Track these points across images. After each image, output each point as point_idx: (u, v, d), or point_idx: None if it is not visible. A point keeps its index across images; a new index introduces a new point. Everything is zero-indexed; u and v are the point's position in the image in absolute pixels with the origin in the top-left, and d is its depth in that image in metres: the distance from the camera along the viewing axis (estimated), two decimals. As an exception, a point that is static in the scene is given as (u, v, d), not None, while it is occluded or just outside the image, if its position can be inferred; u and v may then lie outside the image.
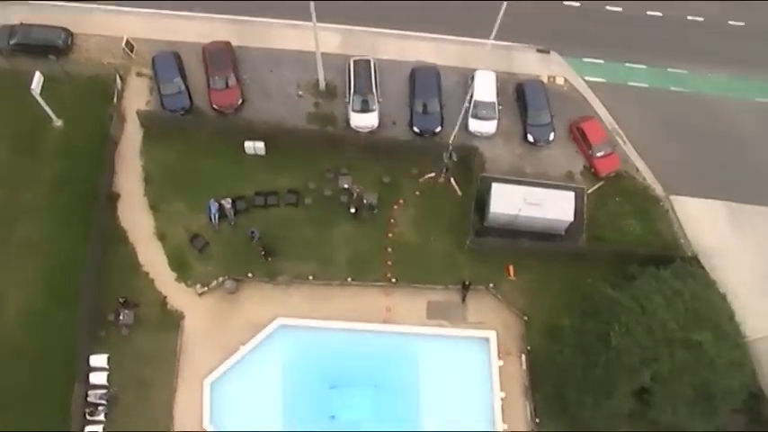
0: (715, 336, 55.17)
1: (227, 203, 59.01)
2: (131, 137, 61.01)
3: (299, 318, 57.79)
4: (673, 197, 63.70)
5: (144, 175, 60.11)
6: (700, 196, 63.53)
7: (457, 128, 58.99)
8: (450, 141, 58.87)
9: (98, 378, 55.87)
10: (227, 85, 61.87)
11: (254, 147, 60.24)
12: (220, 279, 58.32)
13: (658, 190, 63.82)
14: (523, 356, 59.63)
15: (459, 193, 60.67)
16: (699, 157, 64.23)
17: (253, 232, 58.13)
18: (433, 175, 62.01)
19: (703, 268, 60.67)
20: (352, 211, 59.59)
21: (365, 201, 60.04)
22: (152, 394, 55.87)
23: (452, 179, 60.98)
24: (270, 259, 58.37)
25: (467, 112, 62.46)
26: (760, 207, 63.10)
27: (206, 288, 58.32)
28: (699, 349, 54.38)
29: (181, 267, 58.77)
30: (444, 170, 60.51)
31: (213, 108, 61.81)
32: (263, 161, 60.83)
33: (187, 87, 61.75)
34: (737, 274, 61.01)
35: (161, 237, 59.09)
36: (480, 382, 58.55)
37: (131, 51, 62.80)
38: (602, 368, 54.61)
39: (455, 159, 59.67)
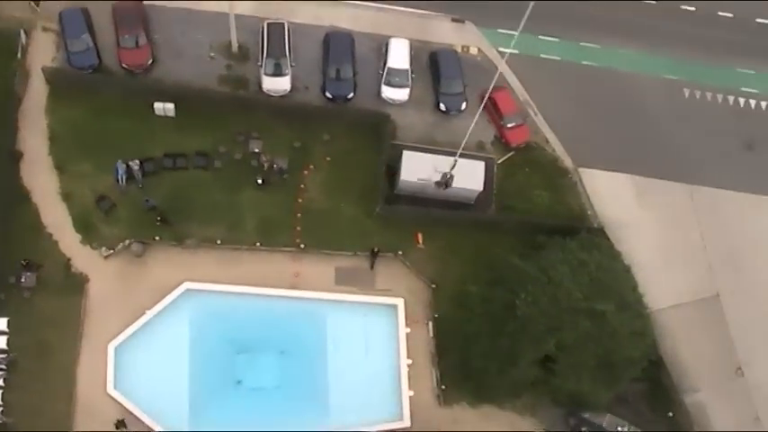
0: (618, 306, 56.15)
1: (134, 165, 57.77)
2: (36, 94, 59.18)
3: (206, 282, 57.04)
4: (581, 169, 64.40)
5: (49, 133, 58.42)
6: (607, 169, 64.45)
7: None
8: None
9: (-3, 342, 54.20)
10: (137, 45, 60.26)
11: (164, 108, 59.05)
12: (127, 242, 57.30)
13: (567, 162, 64.44)
14: (430, 324, 59.85)
15: None
16: (608, 131, 65.06)
17: (147, 200, 57.35)
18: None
19: (609, 240, 61.56)
20: (260, 182, 59.24)
21: (275, 166, 59.63)
22: (54, 358, 54.81)
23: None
24: (164, 225, 57.78)
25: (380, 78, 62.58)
26: (665, 182, 64.35)
27: (112, 251, 57.20)
28: (602, 319, 55.24)
29: (86, 229, 57.51)
30: None
31: (122, 67, 60.27)
32: (172, 123, 59.69)
33: (96, 45, 59.88)
34: (642, 246, 62.42)
35: (66, 197, 57.63)
36: (388, 349, 58.82)
37: (37, 5, 60.93)
38: (508, 336, 55.23)
39: None
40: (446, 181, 58.24)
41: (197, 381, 55.95)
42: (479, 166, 60.40)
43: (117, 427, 54.21)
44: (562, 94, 65.38)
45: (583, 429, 59.68)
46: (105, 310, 56.22)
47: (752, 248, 64.55)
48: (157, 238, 57.67)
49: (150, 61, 60.58)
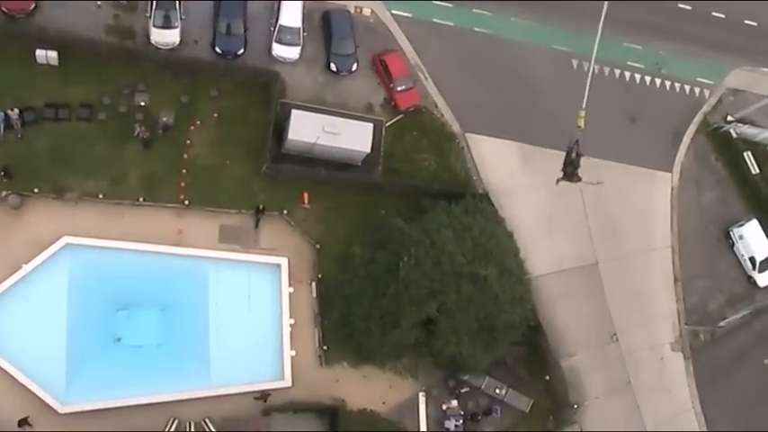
0: (500, 271, 57.20)
1: (13, 114, 56.11)
2: None
3: (86, 237, 55.94)
4: (468, 135, 64.95)
5: None
6: (494, 136, 65.30)
7: None
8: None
9: None
10: (19, -12, 58.00)
11: (47, 56, 57.20)
12: (3, 193, 55.64)
13: (455, 127, 64.86)
14: (314, 284, 60.22)
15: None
16: (496, 98, 65.68)
17: None
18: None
19: (493, 206, 62.74)
20: (144, 137, 58.50)
21: (160, 121, 58.66)
22: None
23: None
24: (6, 181, 55.85)
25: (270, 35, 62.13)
26: (549, 150, 64.66)
27: None
28: (484, 283, 56.29)
29: (-42, 180, 55.29)
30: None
31: (2, 11, 57.83)
32: (55, 72, 57.90)
33: (-26, -13, 57.43)
34: (525, 213, 64.03)
35: None
36: (270, 308, 58.89)
37: None
38: (390, 298, 55.75)
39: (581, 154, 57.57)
40: None
41: (75, 338, 54.84)
42: (368, 128, 60.47)
43: (20, 426, 52.93)
44: (453, 59, 65.61)
45: (462, 391, 61.15)
46: None
47: (630, 219, 66.77)
48: (36, 190, 56.11)
49: (33, 6, 58.18)
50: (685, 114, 70.88)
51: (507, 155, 65.14)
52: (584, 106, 55.39)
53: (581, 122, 55.28)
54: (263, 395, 56.72)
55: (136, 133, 58.06)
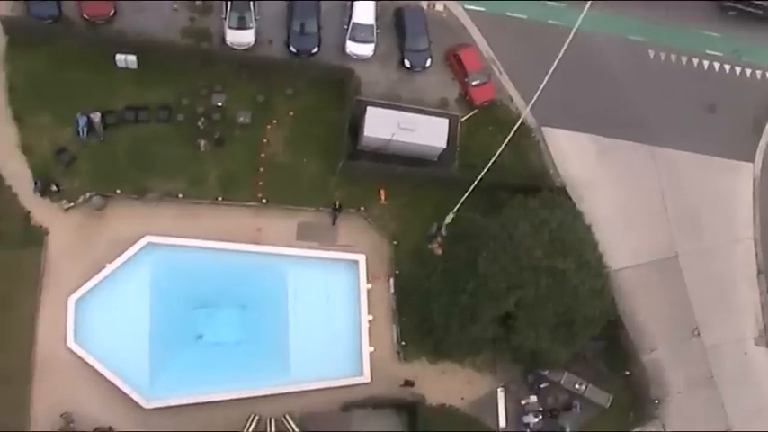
0: (579, 265, 56.56)
1: (96, 117, 57.15)
2: (-6, 44, 57.79)
3: (167, 236, 56.81)
4: (544, 128, 64.46)
5: (7, 84, 57.21)
6: (571, 129, 64.69)
7: None
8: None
9: (-44, 295, 53.38)
10: (98, -6, 59.04)
11: (126, 60, 58.20)
12: (87, 195, 56.78)
13: (531, 121, 64.16)
14: (392, 280, 60.15)
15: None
16: (572, 91, 64.72)
17: (36, 183, 56.36)
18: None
19: (570, 199, 61.97)
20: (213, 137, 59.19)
21: (237, 121, 59.50)
22: (13, 312, 54.45)
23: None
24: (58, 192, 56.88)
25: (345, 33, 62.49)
26: (627, 143, 64.89)
27: (72, 204, 56.64)
28: (562, 277, 55.78)
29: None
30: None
31: (83, 17, 58.90)
32: (134, 75, 58.83)
33: (56, -6, 58.10)
34: (603, 205, 63.03)
35: (25, 149, 56.84)
36: (349, 305, 59.19)
37: (-5, -45, 59.31)
38: (469, 294, 55.59)
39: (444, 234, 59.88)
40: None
41: (157, 335, 55.81)
42: (443, 123, 60.19)
43: (62, 418, 53.83)
44: (527, 52, 64.74)
45: (541, 386, 60.79)
46: (65, 263, 55.76)
47: (710, 210, 65.43)
48: (119, 191, 57.24)
49: (112, 12, 59.39)
50: (766, 103, 69.33)
51: (583, 147, 64.42)
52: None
53: (448, 219, 58.21)
54: (408, 383, 57.60)
55: (199, 144, 59.09)
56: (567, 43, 52.07)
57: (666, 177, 65.07)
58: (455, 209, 57.85)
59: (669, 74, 67.39)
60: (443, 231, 59.48)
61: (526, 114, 62.10)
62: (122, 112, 58.26)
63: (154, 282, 56.48)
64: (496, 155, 56.14)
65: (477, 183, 56.76)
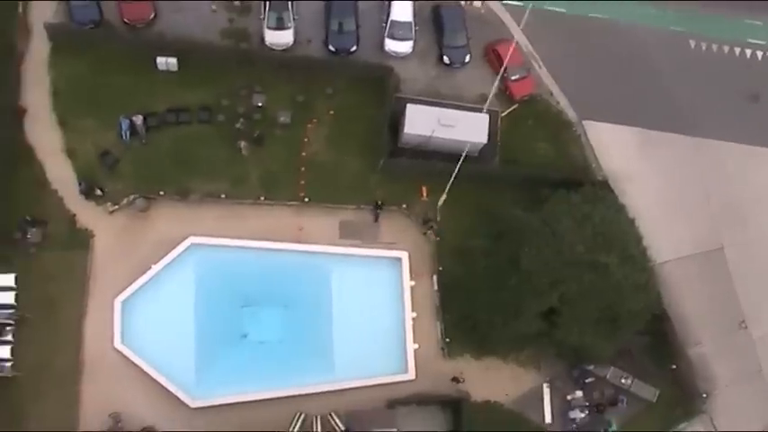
0: (622, 259, 56.00)
1: (138, 120, 57.69)
2: (38, 50, 58.59)
3: (210, 236, 57.33)
4: (585, 122, 63.95)
5: (52, 89, 57.90)
6: (612, 122, 64.01)
7: None
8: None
9: (5, 298, 54.66)
10: (139, -2, 59.23)
11: (167, 62, 58.74)
12: (131, 197, 57.46)
13: (571, 114, 64.01)
14: (435, 277, 60.05)
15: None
16: (612, 83, 64.50)
17: (81, 183, 57.06)
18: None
19: (613, 192, 61.40)
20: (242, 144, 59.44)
21: (278, 121, 59.81)
22: (61, 314, 55.11)
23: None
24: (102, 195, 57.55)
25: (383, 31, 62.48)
26: (668, 134, 64.25)
27: (116, 206, 57.33)
28: (606, 272, 55.25)
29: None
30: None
31: (124, 22, 59.65)
32: (175, 77, 59.33)
33: (97, -1, 59.11)
34: (646, 199, 62.25)
35: (70, 153, 57.45)
36: (392, 302, 59.29)
37: (38, -39, 59.98)
38: (511, 290, 55.39)
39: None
40: None
41: (203, 335, 56.37)
42: (483, 119, 59.73)
43: (111, 418, 54.41)
44: (567, 46, 64.79)
45: (586, 381, 60.37)
46: (111, 265, 56.41)
47: (756, 201, 64.52)
48: (162, 193, 57.71)
49: (152, 15, 60.04)
50: (811, 91, 67.70)
51: (625, 140, 63.73)
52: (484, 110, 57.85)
53: (440, 202, 58.45)
54: (456, 379, 57.88)
55: (239, 146, 59.25)
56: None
57: (709, 168, 64.25)
58: (446, 190, 58.08)
59: (711, 63, 66.56)
60: (437, 215, 59.42)
61: (566, 108, 62.11)
62: (164, 114, 58.69)
63: (198, 282, 56.91)
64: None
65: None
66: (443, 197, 58.20)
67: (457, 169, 56.74)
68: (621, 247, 56.65)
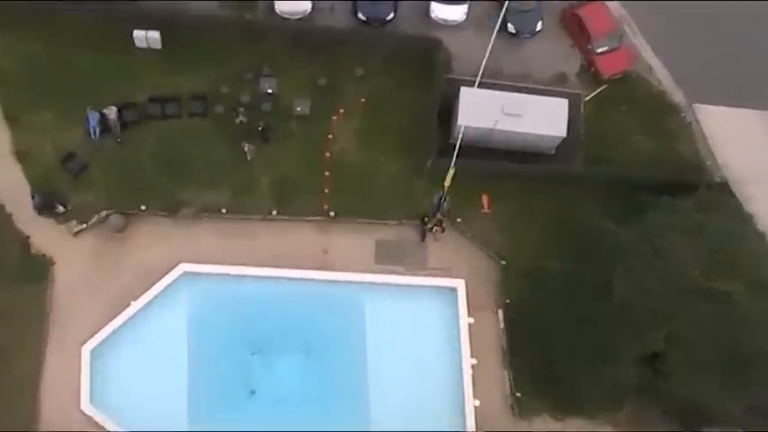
0: (749, 285, 49.50)
1: (111, 113, 51.48)
2: (-23, 25, 52.89)
3: (208, 263, 51.08)
4: (697, 106, 56.61)
5: (-3, 75, 52.87)
6: (731, 105, 56.54)
7: None
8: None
9: (-66, 350, 48.58)
10: (111, -42, 52.82)
11: (147, 37, 52.42)
12: (103, 213, 51.03)
13: (678, 97, 56.76)
14: (500, 312, 53.16)
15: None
16: (730, 56, 56.34)
17: (34, 196, 50.49)
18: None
19: (735, 198, 54.65)
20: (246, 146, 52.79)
21: (294, 112, 53.35)
22: (11, 367, 48.78)
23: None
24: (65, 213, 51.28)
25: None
26: (804, 119, 57.39)
27: (83, 225, 50.81)
28: (728, 303, 48.83)
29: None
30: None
31: (93, -15, 53.67)
32: (159, 57, 53.21)
33: (59, -39, 52.35)
34: (781, 205, 55.84)
35: (22, 157, 51.26)
36: (445, 346, 52.56)
37: None
38: (602, 327, 49.51)
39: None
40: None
41: (198, 392, 50.07)
42: (561, 105, 53.28)
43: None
44: (671, 9, 56.27)
45: (707, 450, 55.38)
46: (77, 302, 50.17)
47: None
48: (143, 207, 51.33)
49: (129, -23, 54.20)
50: None
51: (750, 129, 56.17)
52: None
53: (448, 180, 51.64)
54: None
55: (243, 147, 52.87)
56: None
57: None
58: (452, 163, 50.72)
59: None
60: (445, 205, 52.80)
61: (671, 88, 55.78)
62: (145, 106, 52.95)
63: (192, 322, 50.95)
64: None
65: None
66: (452, 171, 51.15)
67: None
68: (749, 269, 50.04)
